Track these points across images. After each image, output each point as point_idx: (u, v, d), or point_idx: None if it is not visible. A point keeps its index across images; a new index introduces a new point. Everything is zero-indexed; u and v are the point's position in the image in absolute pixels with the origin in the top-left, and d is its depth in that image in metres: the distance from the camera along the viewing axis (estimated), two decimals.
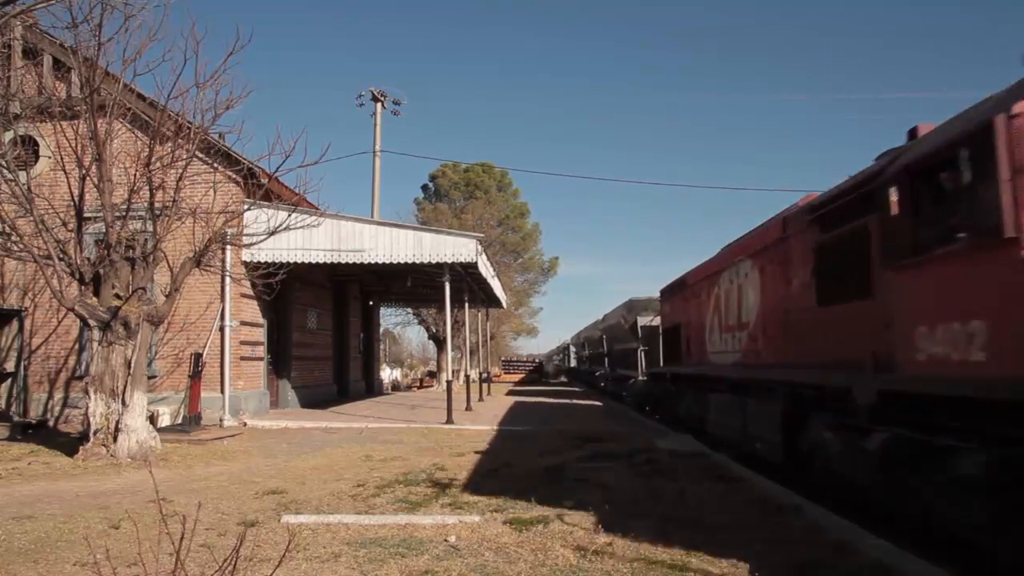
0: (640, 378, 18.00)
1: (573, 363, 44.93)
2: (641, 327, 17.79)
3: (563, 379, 46.96)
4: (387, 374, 36.77)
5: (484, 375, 27.70)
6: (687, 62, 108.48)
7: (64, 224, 9.78)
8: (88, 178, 9.35)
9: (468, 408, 17.26)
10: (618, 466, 8.24)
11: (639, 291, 26.52)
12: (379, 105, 27.09)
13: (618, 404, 20.44)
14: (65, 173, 9.89)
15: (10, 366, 13.95)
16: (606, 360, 26.33)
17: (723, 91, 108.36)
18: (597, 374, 29.52)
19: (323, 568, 4.40)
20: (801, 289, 7.39)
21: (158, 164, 9.54)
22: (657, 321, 16.41)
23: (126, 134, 11.05)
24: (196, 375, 13.10)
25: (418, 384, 38.34)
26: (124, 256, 9.43)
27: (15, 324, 14.05)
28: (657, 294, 16.57)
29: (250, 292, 14.29)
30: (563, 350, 50.89)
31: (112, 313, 9.04)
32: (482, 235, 16.48)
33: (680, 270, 15.08)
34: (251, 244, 11.62)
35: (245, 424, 13.44)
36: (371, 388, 24.90)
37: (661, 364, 15.42)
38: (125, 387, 9.07)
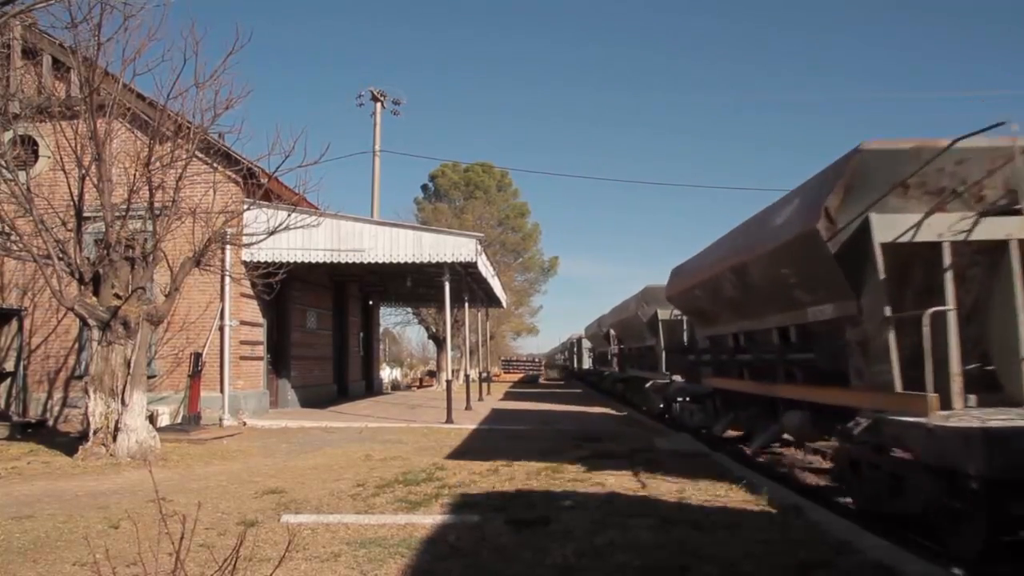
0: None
1: (587, 364, 34.55)
2: (881, 246, 5.55)
3: (576, 389, 32.01)
4: (387, 374, 36.76)
5: (484, 375, 27.69)
6: (688, 61, 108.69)
7: (64, 224, 9.77)
8: (88, 178, 9.34)
9: (468, 408, 17.25)
10: (618, 465, 8.24)
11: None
12: (379, 105, 27.07)
13: None
14: (65, 173, 9.88)
15: (9, 366, 13.95)
16: (664, 360, 15.15)
17: (725, 89, 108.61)
18: (649, 385, 16.36)
19: (323, 568, 4.40)
20: None
21: (158, 164, 9.54)
22: (967, 223, 5.47)
23: (126, 134, 11.02)
24: (196, 375, 13.09)
25: (418, 384, 38.28)
26: (124, 256, 9.42)
27: (15, 324, 14.05)
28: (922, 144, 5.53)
29: (250, 292, 14.28)
30: (569, 347, 43.89)
31: (112, 313, 9.04)
32: (482, 235, 16.45)
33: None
34: (251, 244, 11.61)
35: (245, 424, 13.43)
36: (371, 388, 24.90)
37: None
38: (124, 387, 9.07)
